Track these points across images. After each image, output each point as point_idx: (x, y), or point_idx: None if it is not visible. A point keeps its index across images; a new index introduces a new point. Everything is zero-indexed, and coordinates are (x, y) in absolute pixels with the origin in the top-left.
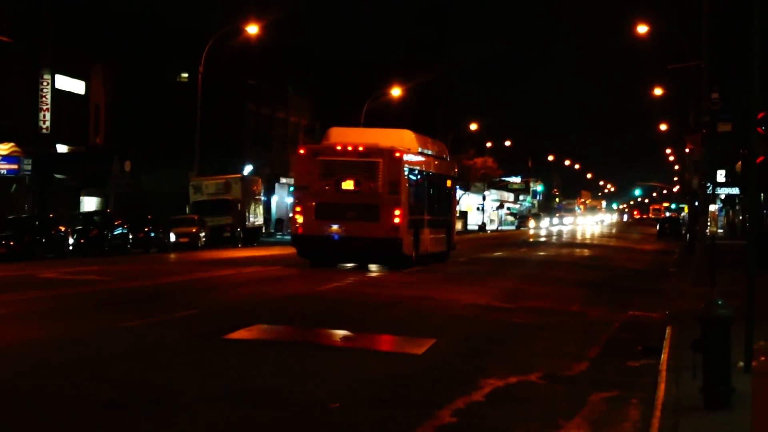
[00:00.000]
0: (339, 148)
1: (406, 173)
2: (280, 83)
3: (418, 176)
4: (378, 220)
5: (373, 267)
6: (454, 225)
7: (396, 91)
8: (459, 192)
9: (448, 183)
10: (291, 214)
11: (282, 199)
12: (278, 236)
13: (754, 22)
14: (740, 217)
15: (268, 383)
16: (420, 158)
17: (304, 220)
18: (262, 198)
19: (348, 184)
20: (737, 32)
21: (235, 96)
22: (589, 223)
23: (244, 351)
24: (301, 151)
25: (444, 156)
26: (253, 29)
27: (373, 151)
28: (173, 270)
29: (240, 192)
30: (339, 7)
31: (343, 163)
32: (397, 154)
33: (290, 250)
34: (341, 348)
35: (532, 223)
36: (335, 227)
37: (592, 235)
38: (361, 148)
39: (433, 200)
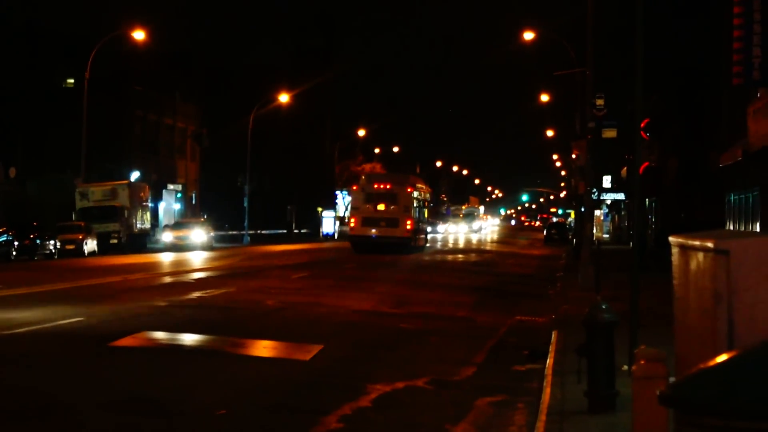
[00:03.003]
0: (375, 186)
1: (412, 200)
2: (168, 89)
3: (416, 201)
4: (398, 227)
5: (258, 274)
6: (427, 230)
7: (284, 98)
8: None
9: (427, 204)
10: (348, 224)
11: (169, 205)
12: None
13: (638, 29)
14: (626, 223)
15: (155, 390)
16: (417, 191)
17: (354, 226)
18: (150, 204)
19: (381, 206)
20: (622, 38)
21: (121, 102)
22: (463, 231)
23: (131, 358)
24: (354, 188)
25: (426, 187)
26: (139, 35)
27: (394, 187)
28: (59, 277)
29: (127, 198)
30: (227, 13)
31: (378, 194)
32: (409, 189)
33: (175, 258)
34: (228, 354)
35: None
36: (373, 231)
37: (469, 243)
38: (388, 186)
39: (421, 215)
